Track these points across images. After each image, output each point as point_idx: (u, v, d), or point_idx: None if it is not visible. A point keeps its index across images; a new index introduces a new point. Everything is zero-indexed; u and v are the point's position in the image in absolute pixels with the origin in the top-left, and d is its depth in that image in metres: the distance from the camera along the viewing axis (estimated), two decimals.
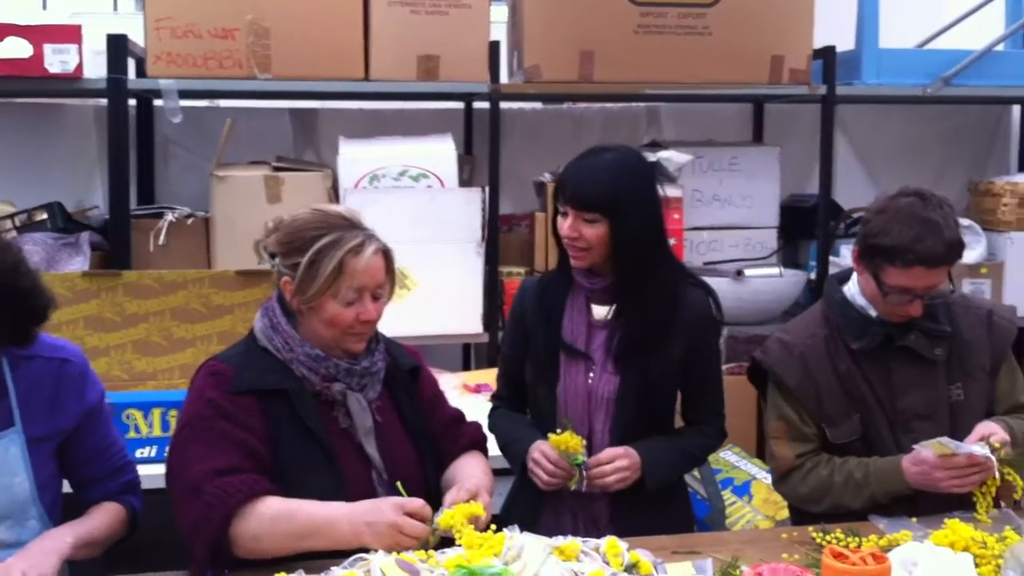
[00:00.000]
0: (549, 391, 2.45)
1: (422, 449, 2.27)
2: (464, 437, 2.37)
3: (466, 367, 4.35)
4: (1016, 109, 4.76)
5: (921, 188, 2.37)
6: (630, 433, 2.41)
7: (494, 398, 2.66)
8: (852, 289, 2.48)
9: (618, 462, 2.35)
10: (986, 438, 2.25)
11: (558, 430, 2.37)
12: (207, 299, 3.36)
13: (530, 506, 2.45)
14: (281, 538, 1.99)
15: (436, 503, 2.08)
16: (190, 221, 3.74)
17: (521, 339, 2.52)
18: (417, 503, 1.99)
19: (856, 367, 2.44)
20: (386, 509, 1.98)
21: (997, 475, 2.24)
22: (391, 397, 2.27)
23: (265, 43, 3.63)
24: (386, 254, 2.17)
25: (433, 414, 2.36)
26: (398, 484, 2.10)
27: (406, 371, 2.32)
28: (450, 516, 1.98)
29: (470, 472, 2.24)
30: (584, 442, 2.36)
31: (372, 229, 2.19)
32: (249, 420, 2.08)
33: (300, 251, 2.11)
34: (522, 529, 1.99)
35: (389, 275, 2.18)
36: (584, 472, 2.34)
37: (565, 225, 2.38)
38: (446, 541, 1.99)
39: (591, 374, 2.43)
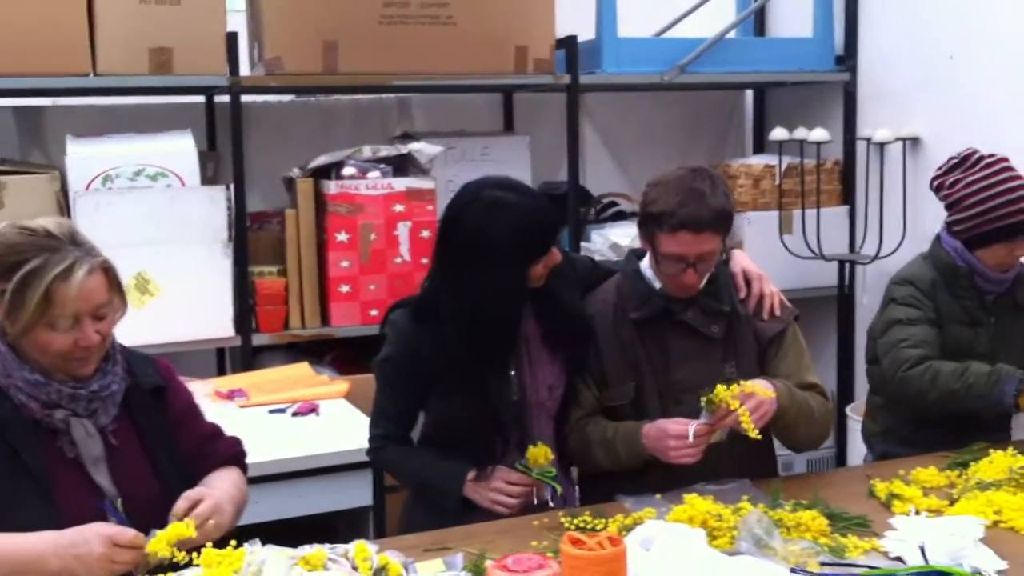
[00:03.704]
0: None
1: (163, 471, 2.11)
2: (217, 455, 2.23)
3: (221, 372, 4.19)
4: (749, 94, 4.99)
5: (697, 165, 2.51)
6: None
7: (378, 438, 2.51)
8: (645, 263, 2.57)
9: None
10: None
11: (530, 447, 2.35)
12: None
13: (434, 518, 2.38)
14: None
15: None
16: None
17: (419, 382, 2.44)
18: (128, 535, 1.86)
19: (637, 337, 2.52)
20: (94, 540, 1.85)
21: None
22: (132, 419, 2.10)
23: None
24: (107, 271, 1.99)
25: (184, 432, 2.19)
26: (118, 500, 1.97)
27: (148, 391, 2.14)
28: (155, 543, 1.86)
29: (213, 485, 2.12)
30: (552, 454, 2.36)
31: (89, 243, 1.99)
32: None
33: (3, 278, 1.91)
34: None
35: (114, 291, 2.01)
36: (559, 482, 2.33)
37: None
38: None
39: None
